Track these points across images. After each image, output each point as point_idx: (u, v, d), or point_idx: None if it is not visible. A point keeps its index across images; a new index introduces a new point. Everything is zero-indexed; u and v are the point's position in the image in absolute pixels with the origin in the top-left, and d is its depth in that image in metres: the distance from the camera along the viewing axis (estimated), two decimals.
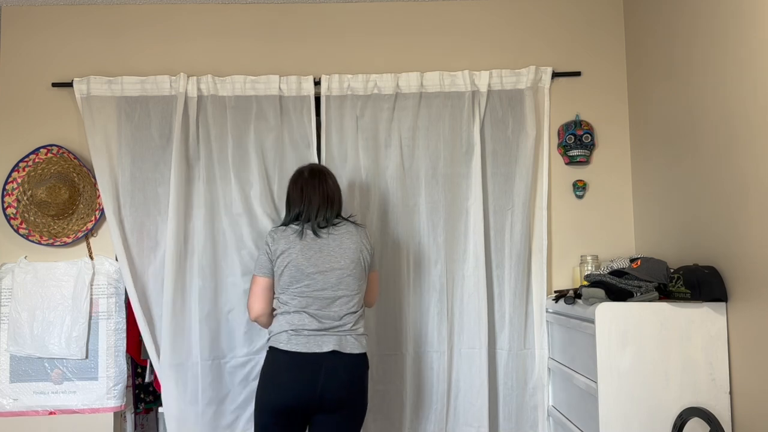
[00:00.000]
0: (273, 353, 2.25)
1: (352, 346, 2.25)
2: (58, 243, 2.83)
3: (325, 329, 2.23)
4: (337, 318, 2.25)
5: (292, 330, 2.23)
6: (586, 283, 2.39)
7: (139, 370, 2.97)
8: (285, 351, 2.21)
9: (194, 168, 2.82)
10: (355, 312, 2.30)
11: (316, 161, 2.84)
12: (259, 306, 2.35)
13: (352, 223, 2.40)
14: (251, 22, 2.98)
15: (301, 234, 2.30)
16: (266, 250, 2.33)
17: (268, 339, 2.30)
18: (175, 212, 2.74)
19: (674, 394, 2.12)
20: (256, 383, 2.46)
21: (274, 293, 2.35)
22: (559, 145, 2.94)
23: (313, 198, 2.35)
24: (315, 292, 2.25)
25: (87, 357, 2.78)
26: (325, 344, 2.21)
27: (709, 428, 2.05)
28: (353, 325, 2.28)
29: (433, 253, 2.83)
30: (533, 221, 2.88)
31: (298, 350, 2.20)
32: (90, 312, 2.79)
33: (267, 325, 2.37)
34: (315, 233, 2.30)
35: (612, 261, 2.50)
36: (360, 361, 2.27)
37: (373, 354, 2.78)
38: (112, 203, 2.77)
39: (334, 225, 2.34)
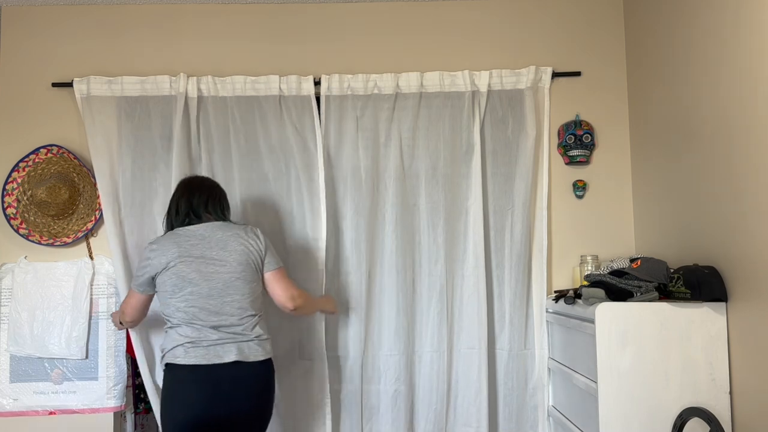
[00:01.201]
0: (171, 370, 2.17)
1: (255, 353, 2.18)
2: (58, 243, 2.83)
3: (223, 338, 2.15)
4: (231, 324, 2.17)
5: (188, 341, 2.14)
6: (586, 283, 2.39)
7: (139, 370, 2.97)
8: (183, 365, 2.14)
9: (195, 168, 2.82)
10: (253, 315, 2.22)
11: (315, 161, 2.84)
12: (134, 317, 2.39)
13: (239, 224, 2.32)
14: (251, 22, 2.98)
15: (176, 239, 2.22)
16: (145, 265, 2.25)
17: (162, 357, 2.23)
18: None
19: (674, 394, 2.12)
20: None
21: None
22: (559, 145, 2.94)
23: (186, 190, 2.33)
24: (201, 300, 2.17)
25: (87, 357, 2.78)
26: (226, 354, 2.13)
27: (709, 428, 2.05)
28: (253, 329, 2.20)
29: (433, 253, 2.83)
30: (533, 221, 2.88)
31: (198, 363, 2.12)
32: (90, 312, 2.79)
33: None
34: (194, 234, 2.22)
35: (612, 261, 2.50)
36: (264, 369, 2.21)
37: (371, 354, 2.78)
38: (111, 203, 2.77)
39: (220, 227, 2.26)
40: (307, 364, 2.77)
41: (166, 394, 2.19)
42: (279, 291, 2.32)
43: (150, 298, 2.36)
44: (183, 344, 2.16)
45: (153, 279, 2.25)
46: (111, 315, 2.70)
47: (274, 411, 2.64)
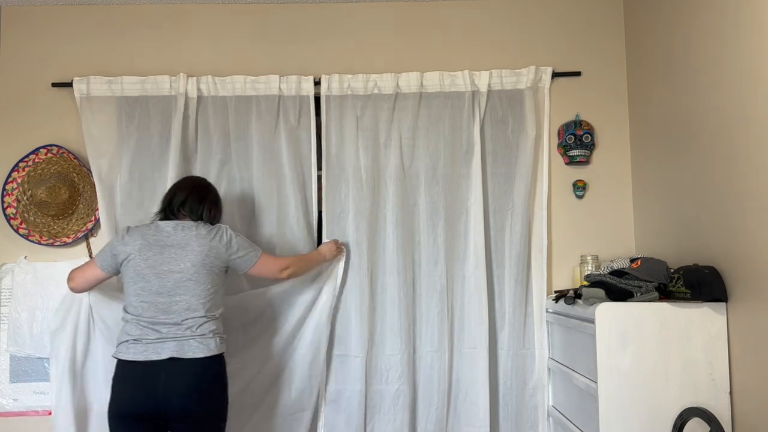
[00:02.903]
0: (117, 364, 2.23)
1: (195, 350, 2.18)
2: (58, 243, 2.83)
3: (163, 336, 2.18)
4: (175, 323, 2.20)
5: (132, 339, 2.20)
6: (586, 283, 2.39)
7: None
8: (125, 361, 2.19)
9: (193, 168, 2.83)
10: (201, 317, 2.23)
11: (315, 161, 2.84)
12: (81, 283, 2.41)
13: (210, 226, 2.34)
14: (251, 22, 2.98)
15: (146, 232, 2.29)
16: (115, 245, 2.32)
17: (116, 348, 2.27)
18: None
19: (674, 394, 2.12)
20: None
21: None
22: (559, 145, 2.94)
23: (174, 187, 2.41)
24: (150, 296, 2.22)
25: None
26: (164, 351, 2.17)
27: (709, 428, 2.05)
28: (198, 327, 2.21)
29: (433, 253, 2.83)
30: (533, 221, 2.88)
31: (136, 359, 2.17)
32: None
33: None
34: (162, 230, 2.28)
35: (612, 261, 2.51)
36: (205, 366, 2.19)
37: (373, 354, 2.78)
38: (108, 203, 2.77)
39: (186, 227, 2.30)
40: (307, 365, 2.77)
41: (111, 387, 2.23)
42: (269, 271, 2.45)
43: (104, 278, 2.39)
44: (127, 341, 2.21)
45: (117, 263, 2.31)
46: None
47: (275, 411, 2.65)
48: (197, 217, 2.35)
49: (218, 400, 2.24)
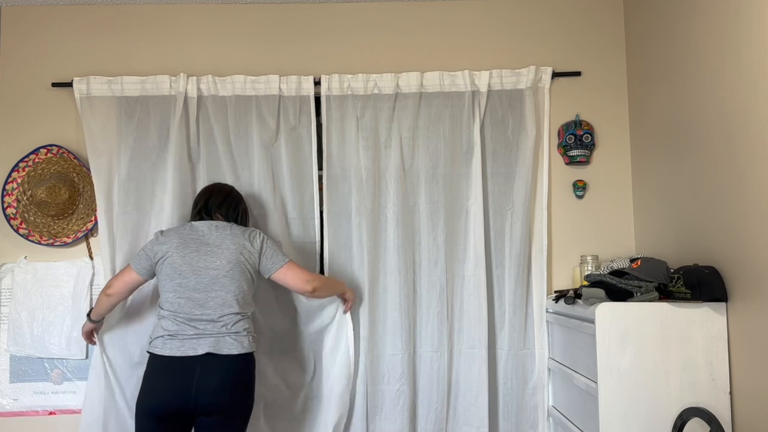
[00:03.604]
0: (151, 359, 2.27)
1: (230, 347, 2.24)
2: (58, 243, 2.83)
3: (200, 332, 2.23)
4: (212, 319, 2.25)
5: (168, 335, 2.24)
6: (586, 283, 2.39)
7: None
8: (160, 356, 2.23)
9: (193, 168, 2.83)
10: (236, 313, 2.29)
11: (316, 161, 2.85)
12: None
13: (243, 227, 2.43)
14: (251, 22, 2.99)
15: (182, 231, 2.37)
16: (149, 249, 2.38)
17: (149, 344, 2.30)
18: (171, 213, 2.73)
19: (674, 394, 2.12)
20: None
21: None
22: (559, 145, 2.95)
23: (206, 190, 2.51)
24: (187, 292, 2.27)
25: (87, 357, 2.78)
26: (201, 347, 2.21)
27: (709, 428, 2.05)
28: (233, 325, 2.27)
29: (433, 253, 2.83)
30: (533, 221, 2.88)
31: (173, 354, 2.21)
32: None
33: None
34: (197, 230, 2.35)
35: (612, 261, 2.51)
36: (238, 362, 2.25)
37: (373, 354, 2.78)
38: (106, 204, 2.77)
39: (221, 227, 2.38)
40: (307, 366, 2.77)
41: (143, 382, 2.27)
42: (293, 279, 2.41)
43: (140, 283, 2.43)
44: (163, 336, 2.26)
45: (152, 265, 2.36)
46: (82, 328, 2.62)
47: (279, 411, 2.65)
48: (231, 219, 2.46)
49: (247, 397, 2.29)
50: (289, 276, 2.41)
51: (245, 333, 2.30)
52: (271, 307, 2.73)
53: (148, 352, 2.28)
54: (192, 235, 2.36)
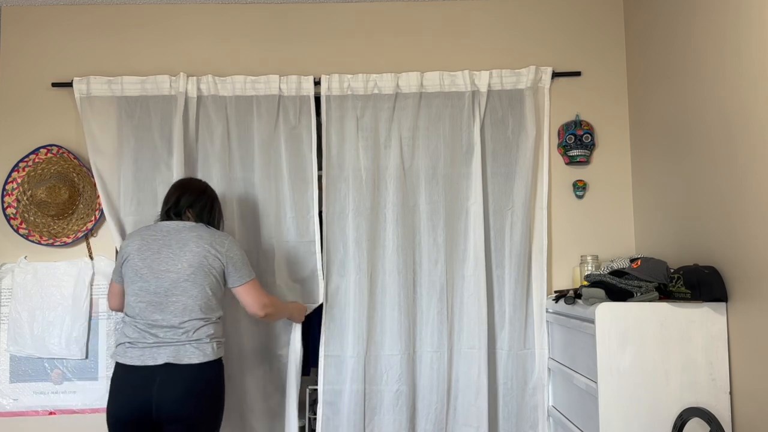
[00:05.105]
0: (115, 365, 2.24)
1: (190, 356, 2.17)
2: (58, 243, 2.83)
3: (160, 341, 2.18)
4: (173, 326, 2.19)
5: (129, 342, 2.21)
6: (586, 283, 2.39)
7: None
8: (121, 365, 2.20)
9: (194, 168, 2.83)
10: (199, 319, 2.22)
11: (316, 161, 2.85)
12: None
13: (213, 230, 2.34)
14: (251, 22, 2.99)
15: (145, 232, 2.31)
16: (118, 254, 2.36)
17: (114, 350, 2.28)
18: None
19: (674, 394, 2.12)
20: None
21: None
22: (559, 145, 2.94)
23: (179, 186, 2.41)
24: (148, 296, 2.21)
25: (87, 357, 2.78)
26: (160, 356, 2.16)
27: (709, 428, 2.05)
28: (195, 332, 2.20)
29: (433, 253, 2.83)
30: (533, 221, 2.88)
31: (133, 363, 2.17)
32: (90, 312, 2.79)
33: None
34: (161, 230, 2.28)
35: (612, 261, 2.51)
36: (200, 372, 2.18)
37: (372, 355, 2.78)
38: (110, 204, 2.77)
39: (188, 228, 2.29)
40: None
41: (109, 388, 2.25)
42: (250, 301, 2.35)
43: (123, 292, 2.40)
44: (124, 343, 2.23)
45: (121, 269, 2.33)
46: None
47: (277, 411, 2.64)
48: (202, 220, 2.36)
49: (212, 406, 2.24)
50: (249, 295, 2.34)
51: (208, 340, 2.22)
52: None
53: (111, 358, 2.26)
54: (155, 235, 2.28)
